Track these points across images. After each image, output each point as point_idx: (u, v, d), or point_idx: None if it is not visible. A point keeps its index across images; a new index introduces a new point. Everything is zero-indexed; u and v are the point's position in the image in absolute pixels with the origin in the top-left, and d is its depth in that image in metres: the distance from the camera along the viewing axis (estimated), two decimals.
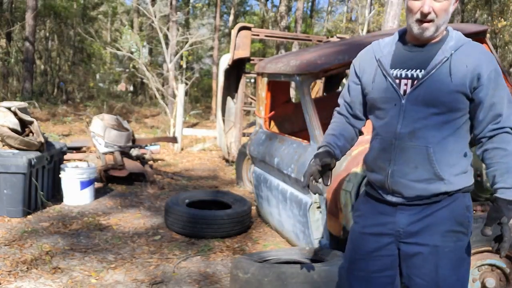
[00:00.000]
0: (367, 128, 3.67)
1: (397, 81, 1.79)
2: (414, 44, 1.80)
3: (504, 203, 1.65)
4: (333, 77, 6.93)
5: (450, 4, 1.72)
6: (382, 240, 1.86)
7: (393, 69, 1.81)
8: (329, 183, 1.90)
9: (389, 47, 1.86)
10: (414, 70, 1.77)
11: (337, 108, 2.08)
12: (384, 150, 1.83)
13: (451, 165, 1.75)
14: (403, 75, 1.78)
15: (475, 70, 1.69)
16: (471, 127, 1.79)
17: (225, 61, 7.15)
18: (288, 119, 4.93)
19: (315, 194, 1.99)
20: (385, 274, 1.89)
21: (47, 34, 19.85)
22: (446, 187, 1.75)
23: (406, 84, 1.77)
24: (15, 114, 4.84)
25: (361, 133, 2.07)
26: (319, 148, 1.97)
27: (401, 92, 1.77)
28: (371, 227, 1.89)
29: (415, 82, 1.75)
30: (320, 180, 1.89)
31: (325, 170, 1.89)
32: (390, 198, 1.84)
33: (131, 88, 23.70)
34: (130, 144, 6.78)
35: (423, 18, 1.70)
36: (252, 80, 17.43)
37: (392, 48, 1.85)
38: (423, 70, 1.74)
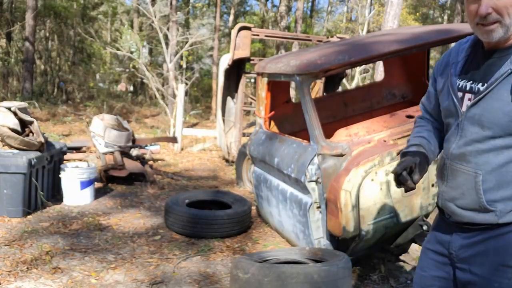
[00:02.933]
0: (366, 128, 3.67)
1: (460, 94, 1.57)
2: (487, 49, 1.55)
3: None
4: (333, 77, 6.94)
5: None
6: (438, 259, 1.71)
7: (460, 80, 1.59)
8: (415, 182, 1.63)
9: (468, 50, 1.63)
10: (477, 82, 1.53)
11: (419, 114, 1.91)
12: (441, 167, 1.69)
13: (506, 197, 1.49)
14: (468, 88, 1.55)
15: None
16: None
17: (225, 61, 7.15)
18: (288, 119, 4.93)
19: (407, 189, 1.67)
20: None
21: (47, 34, 19.85)
22: (497, 219, 1.51)
23: (469, 99, 1.54)
24: (15, 114, 4.84)
25: None
26: (411, 146, 1.75)
27: (463, 108, 1.55)
28: (432, 244, 1.76)
29: (475, 97, 1.52)
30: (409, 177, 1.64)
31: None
32: (447, 216, 1.69)
33: (131, 88, 23.69)
34: (130, 144, 6.77)
35: (484, 22, 1.46)
36: (252, 80, 17.43)
37: (469, 52, 1.62)
38: (485, 84, 1.50)
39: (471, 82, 1.55)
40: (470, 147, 1.53)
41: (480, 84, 1.51)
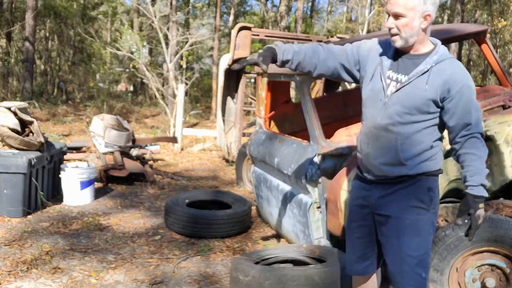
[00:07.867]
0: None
1: (388, 81, 2.12)
2: (403, 52, 2.12)
3: (472, 197, 2.04)
4: None
5: (412, 19, 1.99)
6: (362, 211, 2.27)
7: (389, 71, 2.13)
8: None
9: (393, 49, 2.14)
10: (400, 74, 2.10)
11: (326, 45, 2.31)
12: (365, 134, 2.21)
13: (415, 155, 2.09)
14: (393, 78, 2.11)
15: (447, 84, 2.01)
16: (442, 127, 2.13)
17: (225, 61, 7.15)
18: (288, 119, 4.93)
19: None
20: (366, 239, 2.30)
21: (47, 34, 19.84)
22: (407, 171, 2.11)
23: (394, 86, 2.10)
24: (15, 114, 4.84)
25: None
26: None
27: (388, 91, 2.10)
28: (356, 200, 2.32)
29: (398, 84, 2.08)
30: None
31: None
32: (366, 175, 2.24)
33: (131, 88, 23.68)
34: (130, 144, 6.77)
35: (390, 32, 2.06)
36: (252, 80, 17.42)
37: (393, 51, 2.14)
38: (406, 76, 2.07)
39: (396, 73, 2.11)
40: (392, 119, 2.08)
41: (403, 76, 2.08)
